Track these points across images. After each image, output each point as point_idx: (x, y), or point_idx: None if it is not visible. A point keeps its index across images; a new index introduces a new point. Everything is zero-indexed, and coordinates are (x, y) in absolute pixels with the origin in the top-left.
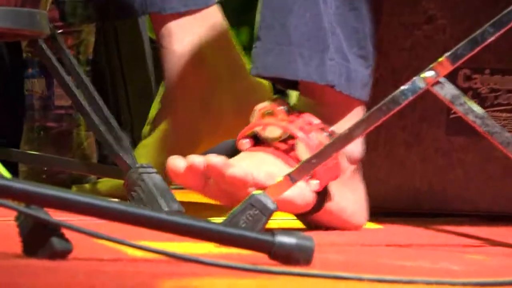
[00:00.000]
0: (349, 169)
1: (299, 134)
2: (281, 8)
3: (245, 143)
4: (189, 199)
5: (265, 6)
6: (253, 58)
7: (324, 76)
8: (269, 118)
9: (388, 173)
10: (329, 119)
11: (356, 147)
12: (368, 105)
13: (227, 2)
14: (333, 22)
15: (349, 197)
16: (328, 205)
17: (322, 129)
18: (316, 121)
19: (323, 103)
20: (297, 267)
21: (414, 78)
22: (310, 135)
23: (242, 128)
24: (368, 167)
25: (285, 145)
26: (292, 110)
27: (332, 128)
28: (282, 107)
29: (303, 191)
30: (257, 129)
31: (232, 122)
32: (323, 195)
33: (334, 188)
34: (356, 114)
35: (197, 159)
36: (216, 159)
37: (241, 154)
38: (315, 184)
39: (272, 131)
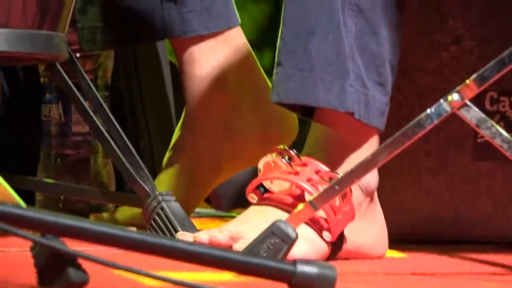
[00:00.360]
0: (365, 201)
1: (307, 187)
2: (303, 30)
3: (253, 197)
4: (209, 227)
5: (286, 28)
6: (274, 84)
7: (344, 103)
8: (275, 172)
9: (413, 201)
10: (345, 148)
11: (372, 178)
12: (392, 130)
13: (250, 23)
14: (353, 47)
15: (368, 230)
16: (345, 246)
17: (331, 178)
18: (324, 168)
19: (339, 132)
20: None
21: (440, 101)
22: (319, 187)
23: (266, 154)
24: (392, 195)
25: (291, 198)
26: (298, 159)
27: (346, 162)
28: (285, 159)
29: (317, 247)
30: (265, 183)
31: (256, 148)
32: (339, 238)
33: (352, 225)
34: (371, 144)
35: (199, 237)
36: (221, 237)
37: (249, 211)
38: (328, 236)
39: (279, 184)
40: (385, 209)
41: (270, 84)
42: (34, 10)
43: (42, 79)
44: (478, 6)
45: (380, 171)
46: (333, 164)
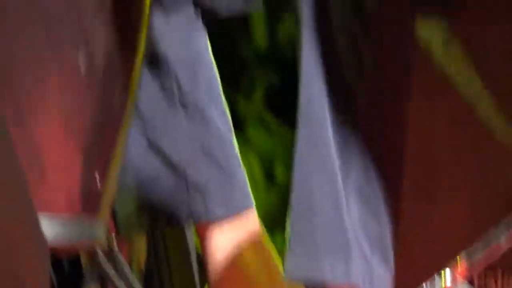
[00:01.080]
0: None
1: None
2: (309, 217)
3: None
4: None
5: (293, 215)
6: (285, 265)
7: (349, 279)
8: None
9: None
10: None
11: None
12: None
13: (261, 207)
14: (356, 227)
15: None
16: None
17: None
18: None
19: None
20: None
21: None
22: None
23: None
24: None
25: None
26: None
27: None
28: None
29: None
30: None
31: None
32: None
33: None
34: None
35: None
36: None
37: None
38: None
39: None
40: None
41: (281, 263)
42: (77, 198)
43: (84, 267)
44: None
45: None
46: None
